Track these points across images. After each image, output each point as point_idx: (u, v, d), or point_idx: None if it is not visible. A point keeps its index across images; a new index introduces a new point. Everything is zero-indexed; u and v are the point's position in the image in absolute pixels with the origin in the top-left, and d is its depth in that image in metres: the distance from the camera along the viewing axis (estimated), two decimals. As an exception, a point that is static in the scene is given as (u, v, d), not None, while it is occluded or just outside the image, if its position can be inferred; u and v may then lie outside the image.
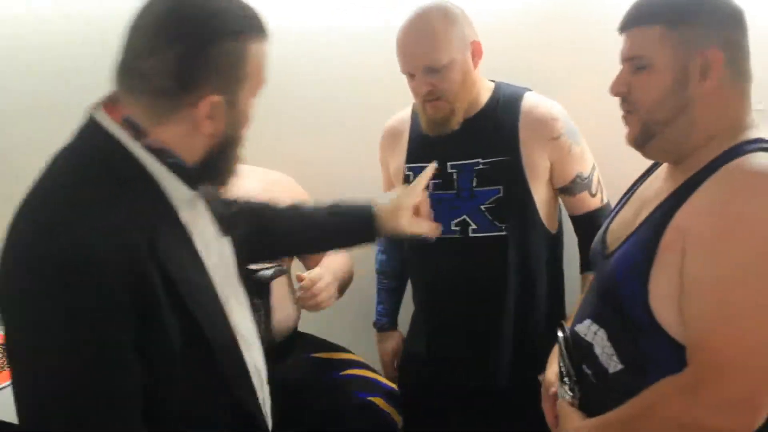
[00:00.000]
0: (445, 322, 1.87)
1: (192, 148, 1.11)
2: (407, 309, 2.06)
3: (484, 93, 1.82)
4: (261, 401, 1.24)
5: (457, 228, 1.80)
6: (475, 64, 1.76)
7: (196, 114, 1.07)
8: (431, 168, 1.59)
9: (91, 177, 1.06)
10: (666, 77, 1.17)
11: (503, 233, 1.77)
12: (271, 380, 1.82)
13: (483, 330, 1.81)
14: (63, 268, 0.98)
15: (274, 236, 1.52)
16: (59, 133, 1.16)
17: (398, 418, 1.88)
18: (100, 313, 0.99)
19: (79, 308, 0.98)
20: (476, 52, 1.75)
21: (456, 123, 1.77)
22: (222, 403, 1.15)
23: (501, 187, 1.76)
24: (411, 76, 1.74)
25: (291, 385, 1.83)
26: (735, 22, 1.17)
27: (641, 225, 1.20)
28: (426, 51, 1.69)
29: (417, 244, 1.86)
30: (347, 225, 1.54)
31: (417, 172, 1.79)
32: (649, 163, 1.36)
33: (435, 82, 1.70)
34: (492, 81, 1.85)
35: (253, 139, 1.93)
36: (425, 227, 1.57)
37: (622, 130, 1.26)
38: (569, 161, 1.78)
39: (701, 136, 1.17)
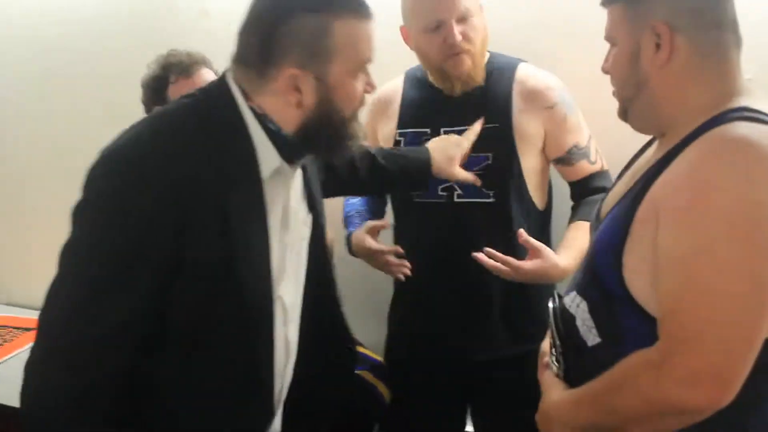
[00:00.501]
0: (430, 290, 1.88)
1: (287, 118, 1.20)
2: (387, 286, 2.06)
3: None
4: (279, 372, 1.30)
5: (444, 193, 1.82)
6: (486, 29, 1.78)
7: (278, 86, 1.16)
8: (479, 123, 1.72)
9: (200, 119, 1.18)
10: (624, 54, 1.19)
11: (490, 200, 1.78)
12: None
13: (468, 298, 1.83)
14: (128, 178, 1.10)
15: (364, 179, 1.70)
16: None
17: (385, 391, 1.90)
18: (136, 232, 1.09)
19: (121, 222, 1.09)
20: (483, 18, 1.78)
21: (479, 78, 1.78)
22: (236, 360, 1.22)
23: (490, 154, 1.78)
24: (436, 29, 1.71)
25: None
26: None
27: (623, 197, 1.20)
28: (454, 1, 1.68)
29: (404, 207, 1.93)
30: (407, 171, 1.70)
31: (408, 137, 1.86)
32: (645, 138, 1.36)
33: (466, 31, 1.71)
34: (487, 51, 1.84)
35: None
36: (468, 175, 1.72)
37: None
38: (564, 131, 1.80)
39: (676, 107, 1.17)
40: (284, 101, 1.18)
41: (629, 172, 1.30)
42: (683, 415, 1.04)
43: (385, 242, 1.96)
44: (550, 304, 1.31)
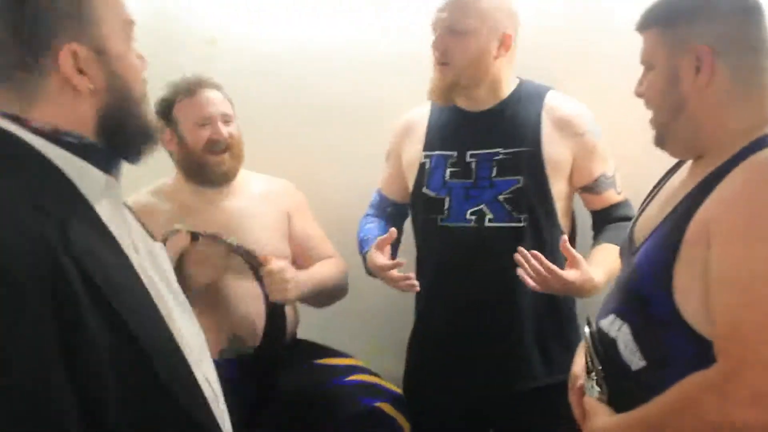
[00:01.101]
0: (455, 318, 1.84)
1: (81, 118, 0.98)
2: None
3: (508, 86, 1.85)
4: (217, 416, 1.09)
5: (472, 217, 1.81)
6: (499, 54, 1.79)
7: (63, 74, 0.95)
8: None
9: None
10: (661, 77, 1.21)
11: (521, 224, 1.77)
12: (273, 389, 1.81)
13: (497, 325, 1.79)
14: None
15: None
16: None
17: (406, 424, 1.85)
18: (20, 320, 0.85)
19: None
20: (504, 44, 1.78)
21: (457, 96, 1.82)
22: (168, 414, 1.00)
23: (521, 177, 1.78)
24: (433, 34, 1.79)
25: (294, 394, 1.81)
26: (735, 15, 1.18)
27: (664, 220, 1.19)
28: (455, 11, 1.75)
29: (427, 231, 1.90)
30: None
31: (433, 159, 1.86)
32: (672, 161, 1.36)
33: (450, 45, 1.75)
34: (518, 78, 1.88)
35: (251, 144, 1.96)
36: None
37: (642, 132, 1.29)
38: (594, 159, 1.81)
39: (713, 131, 1.18)
40: (70, 95, 0.97)
41: (662, 196, 1.30)
42: None
43: (406, 267, 1.93)
44: (586, 329, 1.30)
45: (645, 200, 1.40)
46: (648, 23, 1.23)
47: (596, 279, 1.59)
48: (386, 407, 1.83)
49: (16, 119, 0.94)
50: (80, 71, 0.96)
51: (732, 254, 1.05)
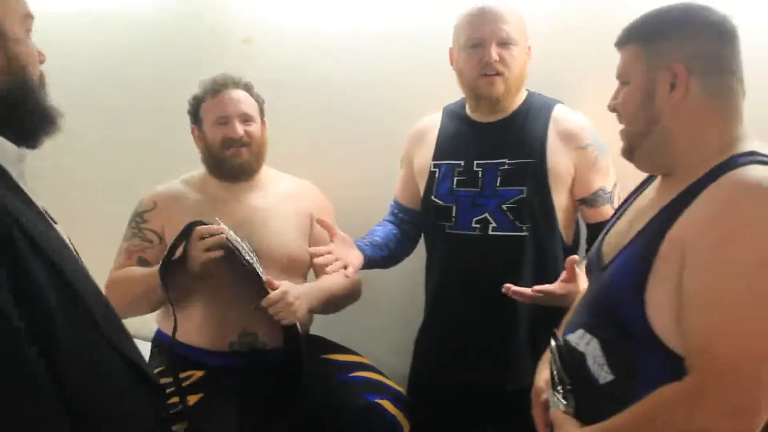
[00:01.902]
0: (458, 320, 1.90)
1: None
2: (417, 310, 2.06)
3: (520, 97, 1.89)
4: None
5: (477, 225, 1.85)
6: (526, 65, 1.85)
7: None
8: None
9: None
10: (637, 91, 1.23)
11: (523, 234, 1.81)
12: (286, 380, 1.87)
13: (495, 330, 1.83)
14: None
15: None
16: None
17: (405, 423, 1.88)
18: None
19: None
20: (528, 55, 1.86)
21: (503, 108, 1.85)
22: (111, 357, 1.13)
23: (524, 188, 1.81)
24: (475, 47, 1.80)
25: (302, 385, 1.86)
26: (712, 37, 1.20)
27: (637, 236, 1.21)
28: (505, 24, 1.80)
29: (435, 238, 1.94)
30: None
31: (443, 168, 1.91)
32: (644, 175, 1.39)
33: (504, 55, 1.79)
34: (526, 89, 1.91)
35: (275, 145, 2.03)
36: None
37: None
38: (593, 172, 1.83)
39: (684, 147, 1.21)
40: None
41: (630, 213, 1.32)
42: None
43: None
44: (553, 343, 1.32)
45: (613, 216, 1.42)
46: (627, 39, 1.26)
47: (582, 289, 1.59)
48: (387, 404, 1.86)
49: None
50: None
51: (705, 272, 1.08)
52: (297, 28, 2.42)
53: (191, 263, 1.81)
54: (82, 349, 1.08)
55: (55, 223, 1.22)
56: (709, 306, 1.07)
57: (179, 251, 1.82)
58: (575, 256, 1.58)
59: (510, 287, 1.60)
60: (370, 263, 1.92)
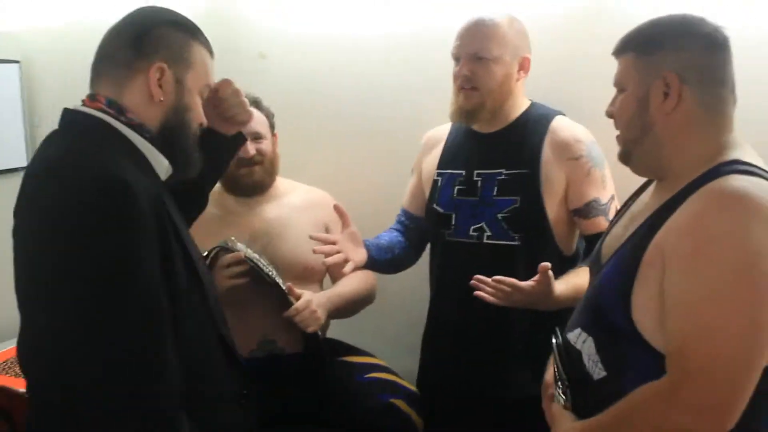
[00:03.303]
0: (456, 327, 1.96)
1: (150, 117, 1.34)
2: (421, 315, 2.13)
3: (519, 108, 1.93)
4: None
5: (474, 234, 1.90)
6: (519, 77, 1.89)
7: (148, 78, 1.32)
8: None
9: (91, 144, 1.27)
10: (633, 99, 1.29)
11: (515, 243, 1.85)
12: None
13: (491, 337, 1.89)
14: (103, 189, 1.18)
15: None
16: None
17: (419, 421, 1.97)
18: (139, 235, 1.20)
19: (121, 224, 1.18)
20: (523, 67, 1.88)
21: (481, 119, 1.89)
22: (212, 334, 1.38)
23: (518, 197, 1.85)
24: (457, 60, 1.88)
25: (320, 387, 1.96)
26: (704, 48, 1.26)
27: (627, 241, 1.28)
28: (480, 39, 1.84)
29: (436, 244, 2.00)
30: None
31: (445, 177, 1.96)
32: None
33: (477, 70, 1.84)
34: (529, 100, 1.95)
35: (288, 156, 2.10)
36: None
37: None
38: (587, 183, 1.85)
39: (676, 154, 1.27)
40: (147, 97, 1.33)
41: (627, 216, 1.39)
42: None
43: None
44: (554, 341, 1.40)
45: (614, 219, 1.48)
46: (624, 49, 1.32)
47: (555, 291, 1.63)
48: (401, 404, 1.95)
49: (117, 109, 1.31)
50: (159, 85, 1.33)
51: (681, 278, 1.15)
52: (309, 40, 2.48)
53: (217, 287, 1.86)
54: (197, 331, 1.33)
55: None
56: (684, 310, 1.13)
57: None
58: (547, 263, 1.61)
59: (477, 277, 1.65)
60: (373, 264, 1.98)
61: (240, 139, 1.70)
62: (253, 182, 2.06)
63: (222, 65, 2.55)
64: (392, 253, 2.05)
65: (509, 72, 1.86)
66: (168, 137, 1.36)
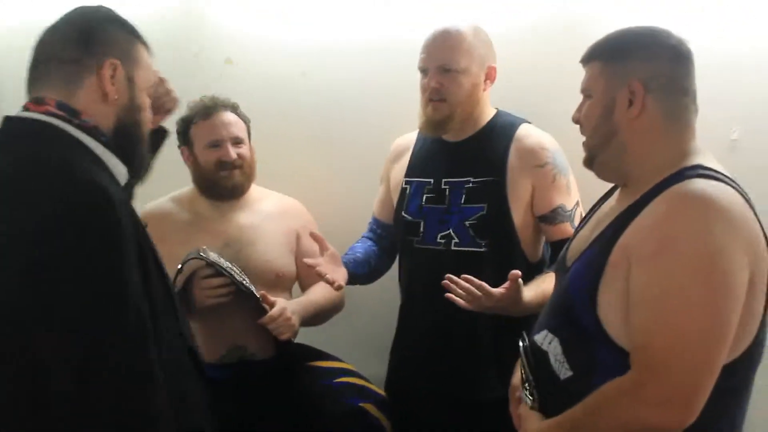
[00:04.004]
0: (425, 331, 1.98)
1: (103, 118, 1.27)
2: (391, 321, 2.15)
3: (485, 117, 1.95)
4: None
5: (441, 241, 1.92)
6: (486, 87, 1.91)
7: (101, 76, 1.26)
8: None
9: (48, 151, 1.19)
10: (598, 105, 1.33)
11: (482, 249, 1.88)
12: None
13: (459, 342, 1.91)
14: (82, 203, 1.11)
15: None
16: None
17: (388, 425, 1.99)
18: (127, 247, 1.13)
19: (111, 242, 1.11)
20: (489, 76, 1.91)
21: (450, 129, 1.92)
22: (184, 353, 1.34)
23: (485, 205, 1.88)
24: (424, 72, 1.90)
25: (290, 392, 1.97)
26: (669, 59, 1.30)
27: (592, 243, 1.32)
28: (447, 51, 1.87)
29: (404, 251, 2.03)
30: None
31: (414, 185, 1.98)
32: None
33: (445, 82, 1.86)
34: (495, 108, 1.98)
35: (263, 161, 2.10)
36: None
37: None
38: (551, 190, 1.89)
39: (638, 160, 1.31)
40: (99, 96, 1.27)
41: (593, 220, 1.42)
42: None
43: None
44: (521, 343, 1.42)
45: (580, 223, 1.52)
46: (592, 56, 1.36)
47: (524, 298, 1.65)
48: (370, 407, 1.97)
49: (70, 111, 1.23)
50: (112, 81, 1.27)
51: (645, 276, 1.18)
52: (276, 46, 2.47)
53: (196, 301, 1.90)
54: (170, 342, 1.26)
55: None
56: (647, 307, 1.17)
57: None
58: (517, 271, 1.63)
59: (449, 277, 1.66)
60: (353, 279, 1.98)
61: (162, 132, 1.60)
62: (232, 185, 2.05)
63: (187, 73, 2.58)
64: (369, 266, 2.06)
65: (476, 82, 1.89)
66: (122, 140, 1.30)
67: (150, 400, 1.13)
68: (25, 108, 1.25)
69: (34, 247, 1.08)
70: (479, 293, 1.64)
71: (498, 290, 1.64)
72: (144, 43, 1.36)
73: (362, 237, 2.18)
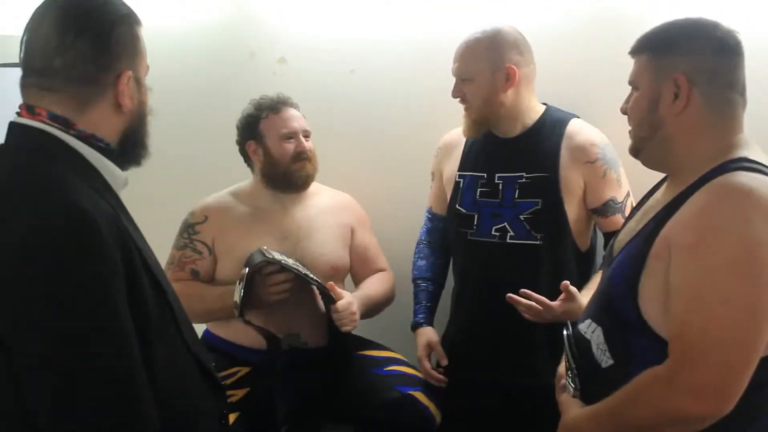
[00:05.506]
0: (478, 320, 2.05)
1: (114, 129, 1.23)
2: (444, 310, 2.21)
3: (533, 114, 2.02)
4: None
5: (496, 234, 1.99)
6: (507, 87, 1.94)
7: (119, 92, 1.20)
8: None
9: (39, 165, 1.14)
10: (644, 98, 1.35)
11: (538, 242, 1.95)
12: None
13: (515, 330, 1.94)
14: (65, 229, 1.05)
15: None
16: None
17: (436, 412, 2.03)
18: (104, 271, 1.07)
19: (86, 267, 1.05)
20: (509, 77, 1.94)
21: (477, 133, 2.01)
22: (188, 361, 1.29)
23: (539, 200, 1.95)
24: None
25: (341, 380, 2.04)
26: (713, 52, 1.30)
27: (637, 235, 1.34)
28: (462, 62, 1.98)
29: (458, 243, 2.08)
30: None
31: (467, 180, 2.06)
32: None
33: (464, 90, 1.97)
34: (544, 104, 2.04)
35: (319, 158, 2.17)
36: None
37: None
38: (603, 185, 1.95)
39: (684, 153, 1.32)
40: (113, 111, 1.21)
41: (640, 211, 1.44)
42: (688, 423, 1.20)
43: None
44: (565, 332, 1.45)
45: (629, 215, 1.54)
46: (639, 49, 1.38)
47: (582, 305, 1.67)
48: (419, 395, 2.01)
49: (64, 122, 1.17)
50: (128, 96, 1.22)
51: (684, 267, 1.20)
52: (326, 45, 2.53)
53: (263, 299, 1.95)
54: (170, 355, 1.22)
55: None
56: (685, 297, 1.19)
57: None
58: (566, 282, 1.71)
59: (510, 296, 1.76)
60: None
61: None
62: (306, 176, 2.14)
63: (243, 70, 2.67)
64: (440, 286, 2.21)
65: (493, 86, 1.94)
66: (129, 140, 1.27)
67: (132, 401, 1.09)
68: (19, 114, 1.20)
69: (10, 263, 1.05)
70: (540, 307, 1.72)
71: (556, 303, 1.72)
72: (139, 23, 1.26)
73: (419, 245, 2.25)
